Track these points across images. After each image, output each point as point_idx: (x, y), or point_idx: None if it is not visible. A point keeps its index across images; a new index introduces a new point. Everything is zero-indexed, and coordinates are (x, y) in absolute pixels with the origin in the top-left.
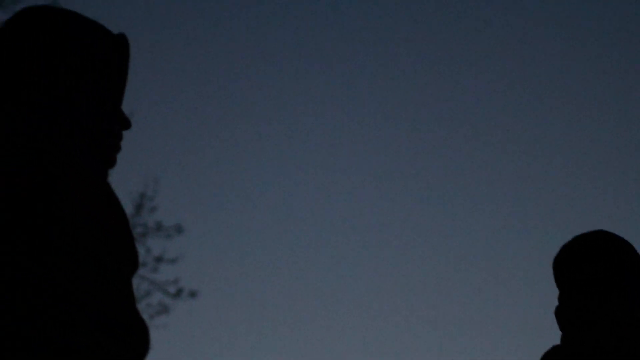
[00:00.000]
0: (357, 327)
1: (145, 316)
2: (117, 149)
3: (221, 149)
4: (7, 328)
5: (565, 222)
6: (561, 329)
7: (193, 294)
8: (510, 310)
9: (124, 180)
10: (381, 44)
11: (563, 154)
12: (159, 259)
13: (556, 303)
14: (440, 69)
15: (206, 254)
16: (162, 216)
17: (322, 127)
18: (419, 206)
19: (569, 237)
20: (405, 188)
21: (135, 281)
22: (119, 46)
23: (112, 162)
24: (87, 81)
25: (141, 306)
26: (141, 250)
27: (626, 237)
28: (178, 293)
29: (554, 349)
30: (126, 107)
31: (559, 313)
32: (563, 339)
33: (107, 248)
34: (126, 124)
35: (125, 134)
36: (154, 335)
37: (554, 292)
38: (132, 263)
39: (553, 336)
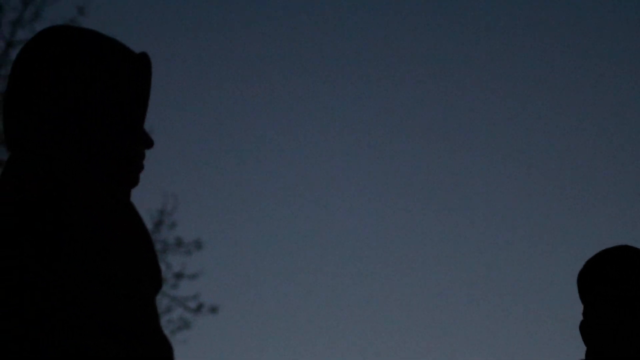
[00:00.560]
0: (381, 343)
1: (166, 332)
2: (140, 167)
3: (240, 165)
4: (13, 331)
5: (573, 228)
6: (586, 343)
7: (213, 309)
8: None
9: (144, 197)
10: (382, 51)
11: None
12: (179, 275)
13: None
14: (442, 73)
15: (226, 269)
16: (181, 232)
17: (342, 145)
18: (437, 218)
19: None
20: (424, 199)
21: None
22: (140, 65)
23: (134, 181)
24: (108, 99)
25: (162, 322)
26: (161, 267)
27: None
28: (198, 308)
29: None
30: (145, 124)
31: (584, 328)
32: (588, 353)
33: (126, 265)
34: (148, 142)
35: (146, 151)
36: (175, 351)
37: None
38: (155, 282)
39: (574, 350)
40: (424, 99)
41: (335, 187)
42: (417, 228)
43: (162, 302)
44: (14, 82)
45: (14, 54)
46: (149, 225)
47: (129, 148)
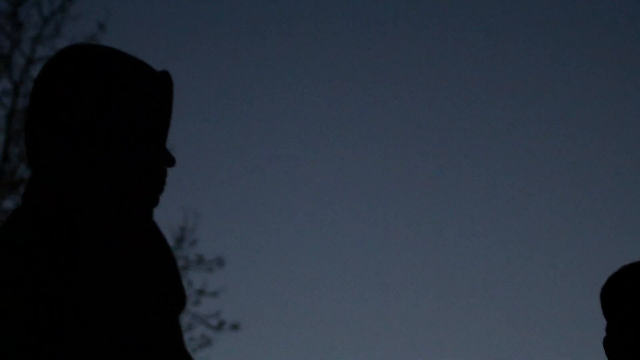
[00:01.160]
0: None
1: (188, 349)
2: (162, 186)
3: (262, 182)
4: (27, 342)
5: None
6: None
7: (235, 327)
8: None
9: (165, 214)
10: (385, 53)
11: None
12: (200, 292)
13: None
14: (444, 72)
15: (248, 286)
16: (203, 249)
17: (368, 165)
18: (451, 221)
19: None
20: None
21: None
22: (161, 83)
23: (156, 199)
24: (129, 118)
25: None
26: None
27: None
28: (220, 326)
29: None
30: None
31: (608, 344)
32: None
33: (147, 282)
34: (170, 161)
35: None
36: None
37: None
38: (179, 300)
39: None
40: (425, 98)
41: (359, 206)
42: (446, 242)
43: (183, 319)
44: (35, 100)
45: (34, 70)
46: (170, 242)
47: (151, 166)
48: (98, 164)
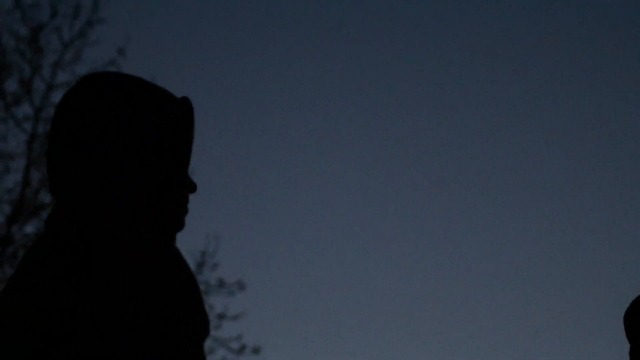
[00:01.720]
0: None
1: None
2: (184, 212)
3: (281, 204)
4: (41, 354)
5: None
6: None
7: (256, 351)
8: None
9: (186, 238)
10: (387, 42)
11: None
12: (221, 316)
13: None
14: (443, 71)
15: (269, 310)
16: (223, 273)
17: (393, 185)
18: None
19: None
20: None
21: None
22: (182, 110)
23: (179, 226)
24: (150, 145)
25: None
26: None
27: None
28: (241, 349)
29: None
30: None
31: None
32: None
33: (169, 310)
34: (192, 187)
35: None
36: None
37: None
38: (202, 327)
39: None
40: (428, 98)
41: (382, 230)
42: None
43: (205, 343)
44: (56, 129)
45: (54, 96)
46: (191, 266)
47: (173, 193)
48: (120, 193)
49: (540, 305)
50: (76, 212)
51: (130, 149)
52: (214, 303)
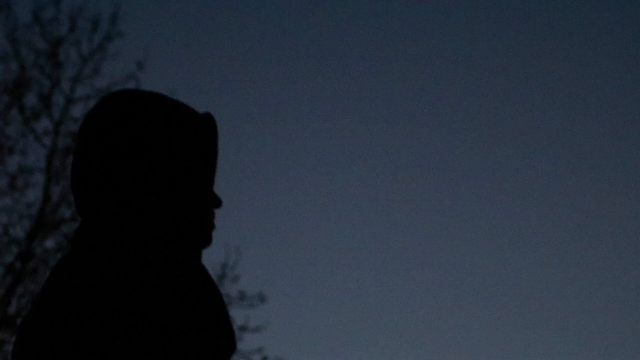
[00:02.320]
0: None
1: None
2: (211, 229)
3: (302, 216)
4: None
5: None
6: None
7: None
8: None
9: (206, 251)
10: (389, 42)
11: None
12: (242, 329)
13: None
14: (443, 70)
15: (290, 322)
16: (244, 285)
17: (410, 200)
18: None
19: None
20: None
21: None
22: (206, 126)
23: (207, 242)
24: (176, 163)
25: None
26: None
27: None
28: None
29: None
30: None
31: None
32: None
33: (196, 328)
34: (217, 203)
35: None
36: None
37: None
38: (229, 344)
39: None
40: (430, 97)
41: (404, 246)
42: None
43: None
44: (82, 148)
45: (74, 110)
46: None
47: (200, 210)
48: (149, 211)
49: (540, 305)
50: (104, 231)
51: (158, 167)
52: (235, 315)
